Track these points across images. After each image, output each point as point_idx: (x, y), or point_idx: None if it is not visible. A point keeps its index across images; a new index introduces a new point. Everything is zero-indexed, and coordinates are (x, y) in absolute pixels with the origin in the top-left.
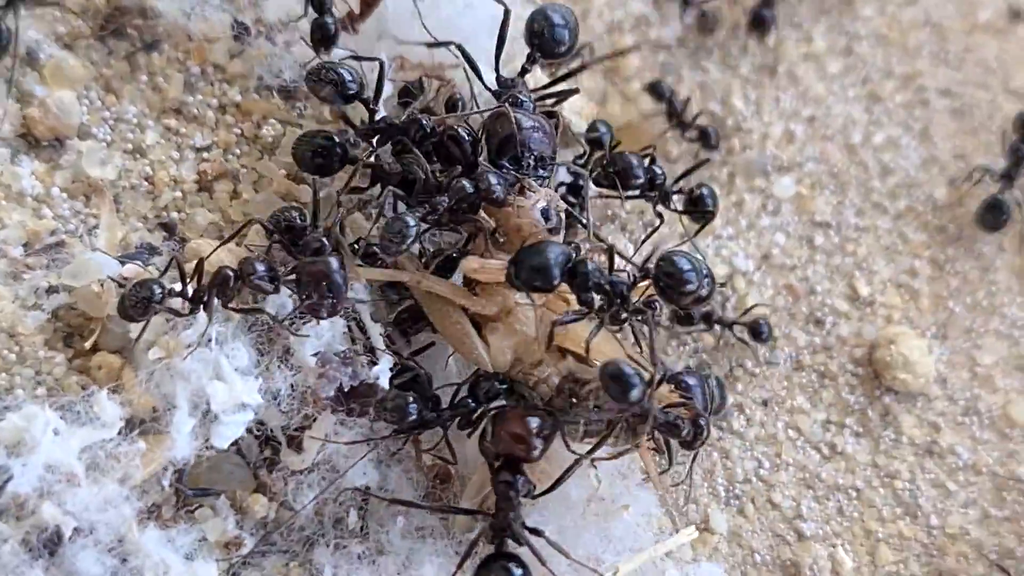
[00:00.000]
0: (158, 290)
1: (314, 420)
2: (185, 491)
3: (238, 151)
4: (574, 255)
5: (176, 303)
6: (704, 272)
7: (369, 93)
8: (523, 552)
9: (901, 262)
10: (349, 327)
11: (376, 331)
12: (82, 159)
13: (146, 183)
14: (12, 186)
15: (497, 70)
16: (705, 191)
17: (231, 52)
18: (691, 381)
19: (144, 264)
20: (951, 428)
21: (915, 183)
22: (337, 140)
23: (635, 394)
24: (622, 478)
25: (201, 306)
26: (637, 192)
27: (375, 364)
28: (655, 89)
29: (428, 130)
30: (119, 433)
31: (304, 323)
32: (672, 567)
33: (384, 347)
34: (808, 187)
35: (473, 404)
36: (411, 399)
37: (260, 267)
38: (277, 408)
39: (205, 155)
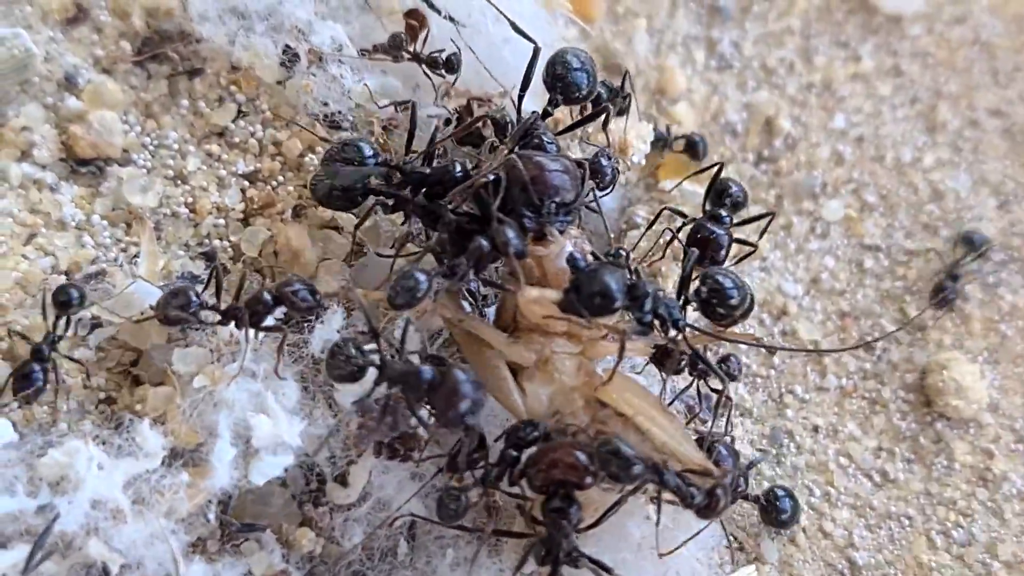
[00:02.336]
0: (194, 298)
1: (358, 456)
2: (231, 525)
3: (281, 178)
4: (631, 277)
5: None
6: (747, 289)
7: (391, 157)
8: None
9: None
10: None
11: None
12: (123, 186)
13: (187, 210)
14: (52, 214)
15: (519, 111)
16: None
17: (277, 79)
18: (723, 452)
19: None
20: (1004, 455)
21: (966, 205)
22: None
23: (636, 471)
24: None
25: (233, 322)
26: None
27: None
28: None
29: (459, 176)
30: (162, 464)
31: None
32: None
33: None
34: (857, 209)
35: (515, 455)
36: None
37: (296, 285)
38: (321, 445)
39: (248, 183)
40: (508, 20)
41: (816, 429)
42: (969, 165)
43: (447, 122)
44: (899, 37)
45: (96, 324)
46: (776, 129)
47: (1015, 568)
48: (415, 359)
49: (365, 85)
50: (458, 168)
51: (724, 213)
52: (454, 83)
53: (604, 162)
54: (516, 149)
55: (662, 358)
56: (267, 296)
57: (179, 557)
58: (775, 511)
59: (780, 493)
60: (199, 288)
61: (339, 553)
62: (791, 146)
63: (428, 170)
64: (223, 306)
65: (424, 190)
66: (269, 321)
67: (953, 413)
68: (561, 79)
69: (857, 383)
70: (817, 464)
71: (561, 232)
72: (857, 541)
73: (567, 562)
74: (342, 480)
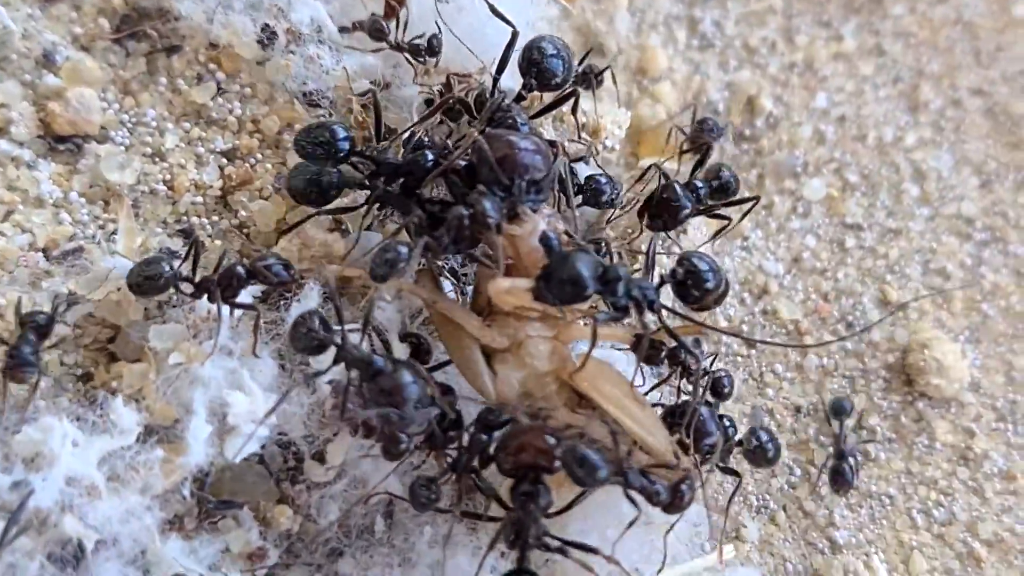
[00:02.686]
0: (167, 269)
1: (335, 435)
2: (207, 502)
3: (260, 156)
4: (604, 262)
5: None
6: (722, 274)
7: (365, 148)
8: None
9: (933, 265)
10: (372, 346)
11: (401, 351)
12: (100, 163)
13: (165, 188)
14: (30, 191)
15: (493, 92)
16: (726, 173)
17: (256, 58)
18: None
19: None
20: (986, 434)
21: (947, 184)
22: (331, 175)
23: (600, 476)
24: None
25: (205, 295)
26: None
27: None
28: None
29: (431, 165)
30: (137, 440)
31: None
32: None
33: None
34: (839, 189)
35: (484, 440)
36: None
37: (271, 260)
38: (300, 423)
39: (226, 160)
40: (487, 2)
41: (797, 409)
42: (951, 145)
43: (428, 102)
44: (881, 17)
45: (73, 301)
46: (758, 108)
47: (995, 546)
48: (395, 338)
49: (344, 68)
50: (429, 157)
51: (700, 185)
52: (436, 65)
53: (603, 181)
54: (487, 129)
55: (639, 344)
56: (240, 270)
57: (154, 533)
58: (760, 449)
59: (760, 433)
60: (176, 263)
61: (316, 530)
62: (773, 125)
63: (400, 160)
64: (197, 279)
65: (398, 180)
66: (245, 298)
67: (934, 392)
68: (536, 65)
69: (838, 362)
70: (798, 443)
71: (533, 211)
72: (838, 520)
73: (536, 546)
74: (320, 457)
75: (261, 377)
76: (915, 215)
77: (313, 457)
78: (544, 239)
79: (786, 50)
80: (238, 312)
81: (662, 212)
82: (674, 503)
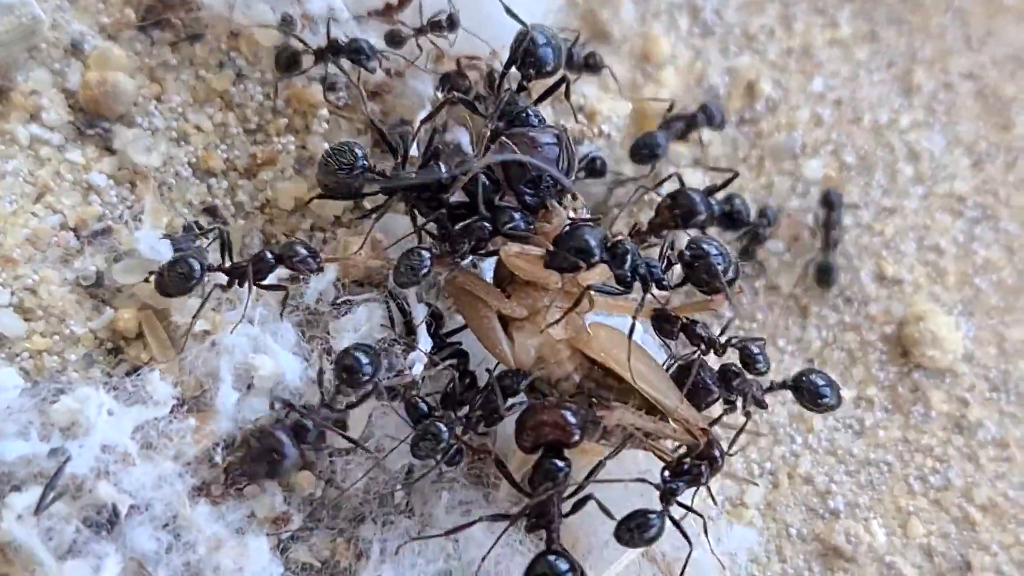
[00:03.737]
0: (197, 267)
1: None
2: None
3: (280, 139)
4: (614, 237)
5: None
6: (729, 256)
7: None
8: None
9: (927, 242)
10: (389, 313)
11: (421, 312)
12: (128, 147)
13: (190, 170)
14: (61, 173)
15: (499, 89)
16: (737, 202)
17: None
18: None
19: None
20: (979, 403)
21: (940, 164)
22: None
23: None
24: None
25: (237, 282)
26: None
27: (411, 350)
28: None
29: (446, 181)
30: (171, 411)
31: (341, 314)
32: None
33: (425, 330)
34: (836, 169)
35: (497, 402)
36: (440, 427)
37: (301, 249)
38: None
39: (251, 142)
40: (501, 2)
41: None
42: (943, 126)
43: (442, 80)
44: (875, 4)
45: (99, 282)
46: (757, 92)
47: (990, 511)
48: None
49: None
50: (444, 172)
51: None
52: (453, 43)
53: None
54: (502, 127)
55: (660, 322)
56: (269, 256)
57: (185, 499)
58: (814, 393)
59: (812, 375)
60: (199, 245)
61: (338, 496)
62: (772, 109)
63: (415, 176)
64: (228, 265)
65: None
66: (271, 279)
67: (929, 363)
68: (530, 55)
69: (837, 335)
70: (798, 413)
71: (560, 203)
72: (837, 487)
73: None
74: (342, 425)
75: (283, 342)
76: (909, 194)
77: (335, 424)
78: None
79: (784, 36)
80: None
81: (676, 217)
82: (714, 470)
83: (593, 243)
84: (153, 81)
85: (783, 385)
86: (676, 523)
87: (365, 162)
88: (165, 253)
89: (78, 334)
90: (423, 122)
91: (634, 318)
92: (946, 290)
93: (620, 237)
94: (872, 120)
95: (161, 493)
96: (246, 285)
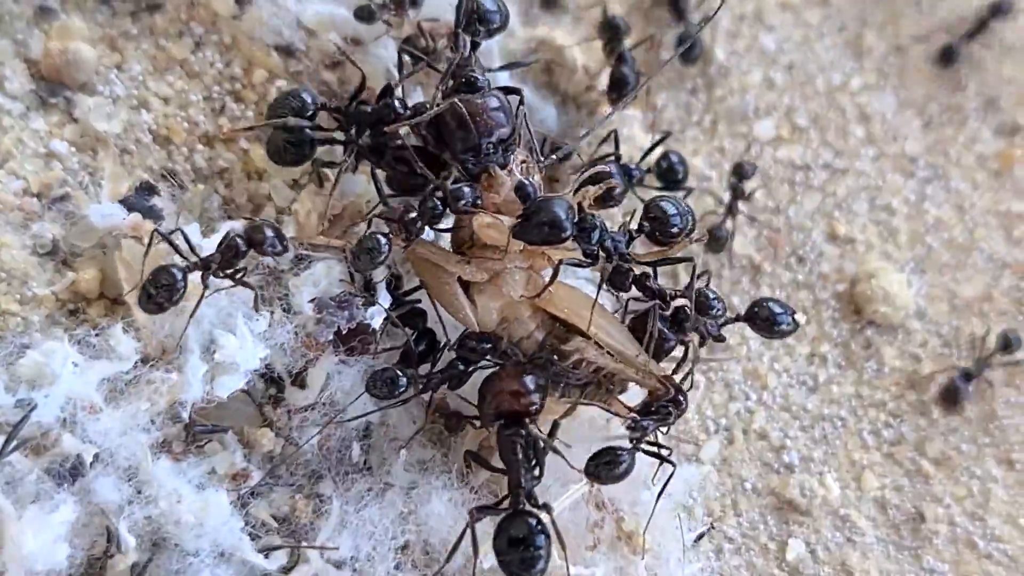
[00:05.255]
0: (179, 276)
1: (316, 360)
2: (195, 425)
3: (239, 106)
4: (581, 210)
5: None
6: (687, 211)
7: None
8: None
9: (879, 202)
10: (349, 271)
11: (380, 271)
12: (89, 114)
13: (151, 136)
14: (24, 140)
15: (453, 49)
16: (674, 158)
17: (231, 13)
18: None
19: (145, 208)
20: (931, 359)
21: (891, 126)
22: (304, 133)
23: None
24: None
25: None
26: None
27: (371, 305)
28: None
29: (401, 113)
30: (134, 366)
31: (301, 270)
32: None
33: (385, 288)
34: (788, 131)
35: (462, 365)
36: (400, 374)
37: (269, 232)
38: (281, 351)
39: (210, 110)
40: None
41: (751, 338)
42: (895, 88)
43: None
44: None
45: (55, 250)
46: (710, 59)
47: (943, 464)
48: None
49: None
50: (398, 105)
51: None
52: (416, 18)
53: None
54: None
55: (612, 276)
56: (239, 241)
57: (147, 452)
58: (771, 320)
59: (767, 302)
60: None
61: (296, 454)
62: (724, 74)
63: (370, 108)
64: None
65: (369, 130)
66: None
67: (882, 320)
68: (475, 13)
69: (791, 294)
70: (752, 370)
71: (502, 166)
72: (792, 442)
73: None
74: (300, 382)
75: (244, 307)
76: (861, 155)
77: (293, 383)
78: (520, 188)
79: (736, 2)
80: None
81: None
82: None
83: (564, 218)
84: (114, 50)
85: (738, 318)
86: (651, 453)
87: (315, 104)
88: (118, 218)
89: (40, 295)
90: (395, 86)
91: (599, 286)
92: (898, 248)
93: (586, 212)
94: (824, 83)
95: (125, 441)
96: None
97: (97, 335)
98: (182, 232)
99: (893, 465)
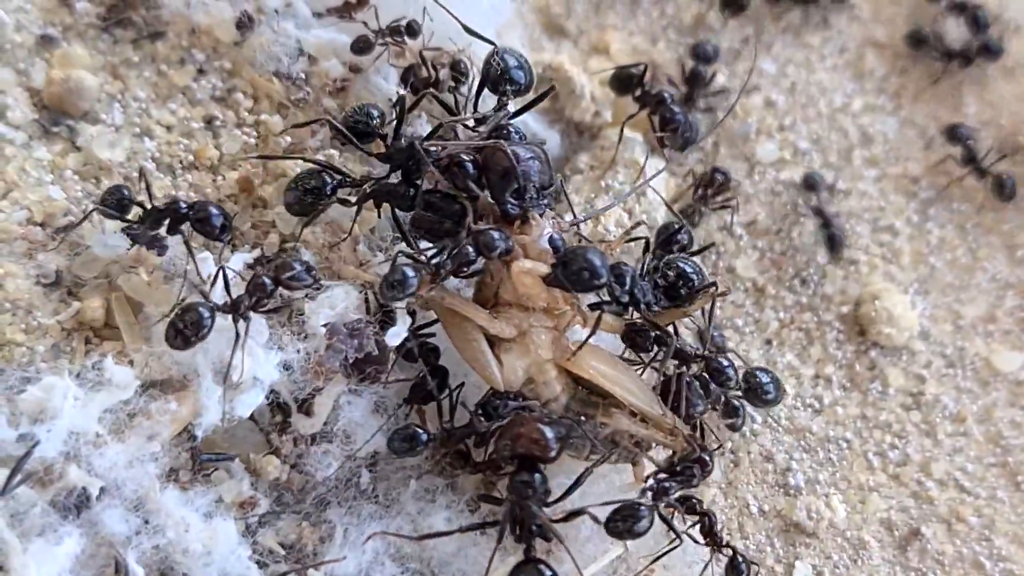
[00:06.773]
0: (207, 314)
1: (323, 387)
2: (201, 454)
3: (245, 130)
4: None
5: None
6: (702, 271)
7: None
8: None
9: (882, 222)
10: (367, 296)
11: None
12: (92, 143)
13: (153, 164)
14: (27, 170)
15: (476, 107)
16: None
17: (234, 40)
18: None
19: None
20: (936, 379)
21: (893, 146)
22: (324, 180)
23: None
24: None
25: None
26: None
27: (390, 325)
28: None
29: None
30: (136, 394)
31: (318, 293)
32: None
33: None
34: (791, 153)
35: (486, 423)
36: (419, 431)
37: (297, 266)
38: (288, 377)
39: (213, 136)
40: (462, 24)
41: (754, 359)
42: (896, 109)
43: (403, 78)
44: None
45: (57, 280)
46: (712, 81)
47: (948, 485)
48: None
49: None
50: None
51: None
52: (419, 49)
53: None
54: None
55: (634, 336)
56: (267, 280)
57: (155, 482)
58: (759, 390)
59: (759, 373)
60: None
61: (304, 482)
62: (726, 96)
63: (400, 151)
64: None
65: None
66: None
67: (886, 341)
68: (503, 73)
69: (794, 316)
70: None
71: (541, 215)
72: (797, 464)
73: (539, 535)
74: (307, 409)
75: (259, 336)
76: (863, 176)
77: (300, 410)
78: (552, 241)
79: (737, 25)
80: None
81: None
82: (705, 475)
83: (600, 264)
84: (116, 78)
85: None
86: (664, 519)
87: (334, 182)
88: (122, 248)
89: (45, 325)
90: (400, 116)
91: (591, 332)
92: (901, 270)
93: (619, 262)
94: (826, 104)
95: (132, 473)
96: (244, 320)
97: (94, 368)
98: (223, 270)
99: (899, 486)
